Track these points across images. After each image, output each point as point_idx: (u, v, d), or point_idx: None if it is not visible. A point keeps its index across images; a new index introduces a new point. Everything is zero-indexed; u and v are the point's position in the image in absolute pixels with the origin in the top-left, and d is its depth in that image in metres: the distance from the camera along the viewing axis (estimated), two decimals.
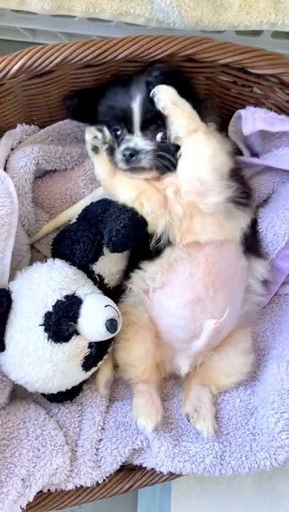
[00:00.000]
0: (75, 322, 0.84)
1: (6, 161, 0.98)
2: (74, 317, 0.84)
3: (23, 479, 0.84)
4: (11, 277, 0.91)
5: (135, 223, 0.86)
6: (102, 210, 0.90)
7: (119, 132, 0.92)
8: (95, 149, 0.94)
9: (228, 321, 0.93)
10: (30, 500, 0.85)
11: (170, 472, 0.91)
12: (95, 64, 0.88)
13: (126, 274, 0.97)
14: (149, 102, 0.87)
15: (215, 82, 1.00)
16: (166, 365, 0.98)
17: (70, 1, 0.98)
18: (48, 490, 0.89)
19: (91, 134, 0.92)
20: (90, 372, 0.91)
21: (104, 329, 0.84)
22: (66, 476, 0.89)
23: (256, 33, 1.08)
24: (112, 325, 0.84)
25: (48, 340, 0.83)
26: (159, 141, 0.89)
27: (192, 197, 0.87)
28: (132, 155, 0.87)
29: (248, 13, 1.00)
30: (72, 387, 0.92)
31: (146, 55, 0.86)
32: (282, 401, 0.90)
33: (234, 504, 1.07)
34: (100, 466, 0.91)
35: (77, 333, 0.85)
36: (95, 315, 0.84)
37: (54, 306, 0.84)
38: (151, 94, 0.86)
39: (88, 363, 0.88)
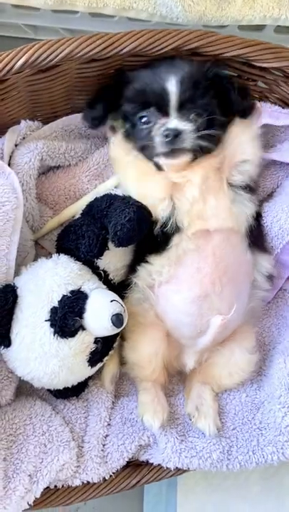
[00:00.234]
0: (81, 317, 0.84)
1: (10, 157, 0.98)
2: (80, 312, 0.84)
3: (30, 475, 0.84)
4: (16, 273, 0.91)
5: (140, 217, 0.86)
6: (107, 205, 0.90)
7: (145, 119, 0.89)
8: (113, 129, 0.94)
9: (234, 317, 0.92)
10: (38, 496, 0.84)
11: (177, 468, 0.91)
12: (100, 58, 0.88)
13: (132, 269, 0.96)
14: (186, 84, 0.86)
15: None
16: (173, 362, 0.98)
17: None
18: (55, 486, 0.88)
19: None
20: (95, 368, 0.91)
21: (110, 324, 0.83)
22: (73, 471, 0.88)
23: (259, 27, 1.08)
24: (118, 319, 0.84)
25: (54, 335, 0.82)
26: (196, 122, 0.87)
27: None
28: (176, 135, 0.85)
29: (251, 7, 1.00)
30: (78, 383, 0.91)
31: (151, 49, 0.86)
32: None
33: (241, 499, 1.07)
34: (106, 462, 0.90)
35: (83, 329, 0.84)
36: (100, 310, 0.84)
37: (60, 301, 0.83)
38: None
39: (94, 358, 0.87)
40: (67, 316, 0.83)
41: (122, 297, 0.94)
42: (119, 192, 0.96)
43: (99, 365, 0.91)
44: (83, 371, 0.88)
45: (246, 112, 0.93)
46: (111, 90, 0.94)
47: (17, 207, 0.88)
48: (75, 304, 0.84)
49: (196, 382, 0.97)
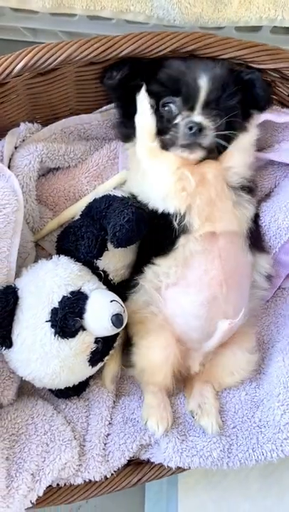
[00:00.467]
0: (81, 318, 0.85)
1: (10, 159, 0.98)
2: (80, 313, 0.85)
3: (32, 474, 0.84)
4: (17, 274, 0.91)
5: (139, 218, 0.86)
6: (106, 206, 0.90)
7: (168, 108, 0.90)
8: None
9: (240, 319, 0.94)
10: (40, 494, 0.85)
11: (178, 467, 0.91)
12: (99, 61, 0.88)
13: (138, 270, 0.96)
14: (216, 84, 0.87)
15: None
16: (179, 365, 0.97)
17: None
18: (58, 484, 0.90)
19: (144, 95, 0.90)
20: (96, 368, 0.92)
21: (110, 324, 0.84)
22: (75, 470, 0.89)
23: (255, 28, 1.09)
24: (117, 320, 0.84)
25: (54, 336, 0.83)
26: (216, 122, 0.88)
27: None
28: (200, 129, 0.86)
29: (247, 9, 1.01)
30: (79, 383, 0.92)
31: (149, 52, 0.86)
32: (288, 393, 0.90)
33: (241, 496, 1.07)
34: (108, 461, 0.91)
35: (84, 329, 0.85)
36: (100, 310, 0.85)
37: (60, 302, 0.84)
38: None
39: (95, 358, 0.88)
40: (67, 317, 0.84)
41: (124, 297, 0.95)
42: (118, 193, 0.97)
43: (100, 364, 0.92)
44: (84, 371, 0.89)
45: (267, 105, 0.95)
46: (143, 64, 0.92)
47: (17, 209, 0.89)
48: (75, 304, 0.85)
49: (198, 381, 0.98)
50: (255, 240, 0.98)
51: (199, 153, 0.89)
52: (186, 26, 1.01)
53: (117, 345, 0.96)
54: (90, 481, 0.91)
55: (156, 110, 0.91)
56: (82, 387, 0.96)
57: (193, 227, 0.89)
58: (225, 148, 0.90)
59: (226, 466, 0.90)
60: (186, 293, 0.92)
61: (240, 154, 0.92)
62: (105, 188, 1.04)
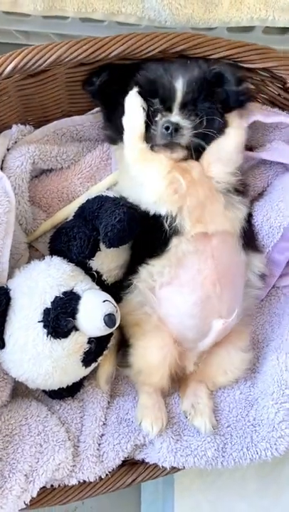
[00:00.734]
0: (74, 318, 0.85)
1: (2, 161, 0.99)
2: (72, 313, 0.85)
3: (26, 475, 0.84)
4: (10, 275, 0.92)
5: (130, 218, 0.87)
6: (98, 206, 0.91)
7: (153, 107, 0.91)
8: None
9: (233, 319, 0.94)
10: (34, 495, 0.85)
11: (173, 466, 0.92)
12: (89, 62, 0.89)
13: (132, 270, 0.96)
14: (192, 86, 0.89)
15: None
16: (176, 366, 0.97)
17: (61, 1, 0.99)
18: (52, 485, 0.90)
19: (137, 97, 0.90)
20: (90, 368, 0.91)
21: (102, 324, 0.84)
22: (69, 471, 0.89)
23: (248, 29, 1.09)
24: (110, 319, 0.84)
25: (47, 336, 0.83)
26: (194, 122, 0.90)
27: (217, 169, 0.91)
28: (177, 129, 0.87)
29: (238, 9, 1.01)
30: (73, 384, 0.92)
31: (139, 52, 0.87)
32: (282, 392, 0.91)
33: (237, 496, 1.07)
34: (102, 461, 0.91)
35: (77, 329, 0.85)
36: (93, 310, 0.85)
37: (52, 303, 0.84)
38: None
39: (88, 358, 0.88)
40: (59, 317, 0.84)
41: (118, 298, 0.95)
42: (110, 193, 0.97)
43: (93, 365, 0.92)
44: (77, 371, 0.89)
45: (243, 100, 0.94)
46: (122, 68, 0.94)
47: (9, 210, 0.89)
48: (67, 304, 0.85)
49: (192, 381, 0.98)
50: (249, 239, 0.99)
51: (180, 153, 0.89)
52: (178, 27, 1.01)
53: (111, 346, 0.96)
54: (85, 481, 0.90)
55: None
56: (76, 388, 0.96)
57: (184, 228, 0.89)
58: (205, 148, 0.90)
59: (221, 465, 0.90)
60: (180, 292, 0.92)
61: (218, 165, 0.92)
62: (98, 188, 1.05)
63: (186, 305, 0.92)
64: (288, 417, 0.89)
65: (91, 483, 0.91)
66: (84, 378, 0.95)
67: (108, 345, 0.94)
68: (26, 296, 0.86)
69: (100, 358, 0.93)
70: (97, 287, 0.92)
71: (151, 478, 0.93)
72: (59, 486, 0.90)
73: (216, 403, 0.96)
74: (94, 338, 0.87)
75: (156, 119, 0.89)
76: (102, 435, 0.94)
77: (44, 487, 0.88)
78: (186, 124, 0.88)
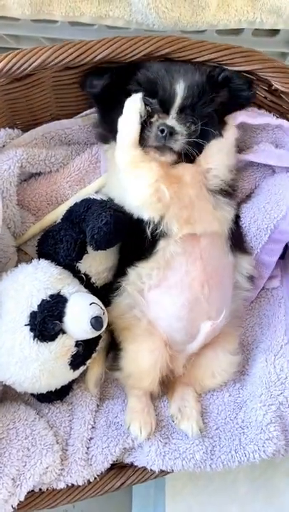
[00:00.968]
0: (61, 321, 0.85)
1: None
2: (59, 316, 0.85)
3: (13, 479, 0.85)
4: None
5: (117, 221, 0.87)
6: (85, 209, 0.91)
7: (151, 107, 0.90)
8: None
9: (222, 320, 0.94)
10: (22, 499, 0.85)
11: (161, 470, 0.91)
12: (74, 66, 0.89)
13: (121, 272, 0.96)
14: (192, 91, 0.88)
15: None
16: (166, 369, 0.97)
17: (49, 5, 0.99)
18: (40, 489, 0.90)
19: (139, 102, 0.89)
20: (78, 371, 0.91)
21: (89, 327, 0.84)
22: (57, 474, 0.89)
23: (236, 31, 1.09)
24: (97, 322, 0.85)
25: (33, 339, 0.83)
26: (190, 128, 0.89)
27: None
28: (171, 133, 0.87)
29: (226, 12, 1.01)
30: (62, 387, 0.92)
31: (124, 56, 0.87)
32: (270, 393, 0.91)
33: (229, 500, 1.07)
34: (90, 465, 0.91)
35: (64, 332, 0.85)
36: (80, 313, 0.85)
37: (39, 306, 0.84)
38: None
39: (76, 361, 0.88)
40: (46, 320, 0.84)
41: (107, 300, 0.95)
42: (97, 196, 0.97)
43: (82, 368, 0.92)
44: (65, 375, 0.89)
45: (249, 101, 0.95)
46: (122, 69, 0.93)
47: None
48: (54, 307, 0.85)
49: (180, 384, 0.98)
50: (237, 241, 0.99)
51: (170, 157, 0.89)
52: (167, 30, 1.01)
53: (100, 349, 0.96)
54: (73, 485, 0.90)
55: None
56: (65, 391, 0.96)
57: (172, 231, 0.89)
58: (195, 156, 0.90)
59: (209, 468, 0.90)
60: (169, 294, 0.92)
61: (220, 156, 0.92)
62: (87, 192, 1.05)
63: (175, 307, 0.92)
64: (276, 419, 0.89)
65: (79, 486, 0.91)
66: (73, 381, 0.95)
67: (97, 348, 0.94)
68: (13, 299, 0.86)
69: (89, 361, 0.93)
70: (85, 290, 0.92)
71: (140, 482, 0.93)
72: (47, 489, 0.90)
73: (205, 406, 0.96)
74: (82, 341, 0.87)
75: (153, 120, 0.89)
76: (91, 438, 0.94)
77: (32, 491, 0.88)
78: (181, 129, 0.88)
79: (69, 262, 0.91)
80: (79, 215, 0.92)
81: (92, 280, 0.97)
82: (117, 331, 0.98)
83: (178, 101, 0.88)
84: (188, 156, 0.89)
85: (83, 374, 0.96)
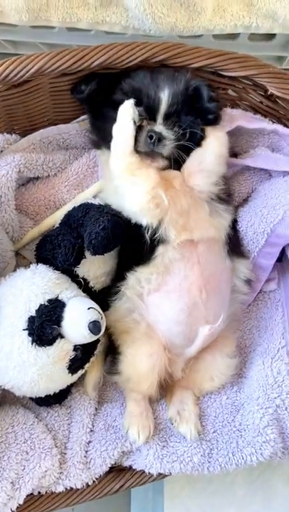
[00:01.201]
0: (59, 325, 0.85)
1: None
2: (57, 320, 0.85)
3: (12, 482, 0.85)
4: None
5: (115, 225, 0.87)
6: (83, 214, 0.91)
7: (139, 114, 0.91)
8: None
9: (220, 324, 0.94)
10: (21, 502, 0.86)
11: (159, 473, 0.92)
12: (71, 72, 0.90)
13: (120, 276, 0.97)
14: (176, 98, 0.89)
15: None
16: (165, 373, 0.97)
17: (46, 11, 1.00)
18: (39, 492, 0.90)
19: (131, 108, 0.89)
20: (76, 375, 0.92)
21: (87, 331, 0.85)
22: (56, 478, 0.90)
23: (233, 36, 1.10)
24: (95, 326, 0.85)
25: (32, 344, 0.84)
26: (177, 133, 0.90)
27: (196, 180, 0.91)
28: (160, 139, 0.87)
29: (221, 16, 1.01)
30: (60, 391, 0.92)
31: (120, 62, 0.88)
32: (267, 396, 0.91)
33: (226, 502, 1.07)
34: (89, 468, 0.92)
35: (62, 337, 0.86)
36: (78, 318, 0.86)
37: (37, 311, 0.85)
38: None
39: (74, 365, 0.89)
40: (44, 325, 0.84)
41: (106, 305, 0.95)
42: (95, 201, 0.98)
43: (80, 372, 0.92)
44: (64, 379, 0.90)
45: (211, 119, 0.94)
46: (110, 76, 0.94)
47: None
48: (52, 312, 0.86)
49: (178, 388, 0.98)
50: (234, 245, 0.99)
51: (160, 162, 0.90)
52: (164, 36, 1.02)
53: (98, 352, 0.96)
54: (72, 488, 0.91)
55: None
56: (64, 395, 0.97)
57: (170, 237, 0.89)
58: (185, 160, 0.90)
59: (207, 470, 0.91)
60: (168, 298, 0.93)
61: (199, 175, 0.91)
62: (85, 196, 1.05)
63: (174, 311, 0.92)
64: (273, 421, 0.89)
65: (78, 489, 0.91)
66: (71, 385, 0.96)
67: (95, 352, 0.94)
68: (11, 304, 0.86)
69: (87, 365, 0.94)
70: (84, 294, 0.92)
71: (139, 485, 0.93)
72: (46, 493, 0.90)
73: (203, 409, 0.96)
74: (80, 345, 0.88)
75: (143, 124, 0.89)
76: (90, 442, 0.94)
77: (31, 494, 0.89)
78: (168, 134, 0.89)
79: (67, 267, 0.92)
80: (77, 219, 0.92)
81: (91, 284, 0.97)
82: (115, 335, 0.98)
83: (163, 108, 0.89)
84: (178, 161, 0.90)
85: (82, 378, 0.97)
